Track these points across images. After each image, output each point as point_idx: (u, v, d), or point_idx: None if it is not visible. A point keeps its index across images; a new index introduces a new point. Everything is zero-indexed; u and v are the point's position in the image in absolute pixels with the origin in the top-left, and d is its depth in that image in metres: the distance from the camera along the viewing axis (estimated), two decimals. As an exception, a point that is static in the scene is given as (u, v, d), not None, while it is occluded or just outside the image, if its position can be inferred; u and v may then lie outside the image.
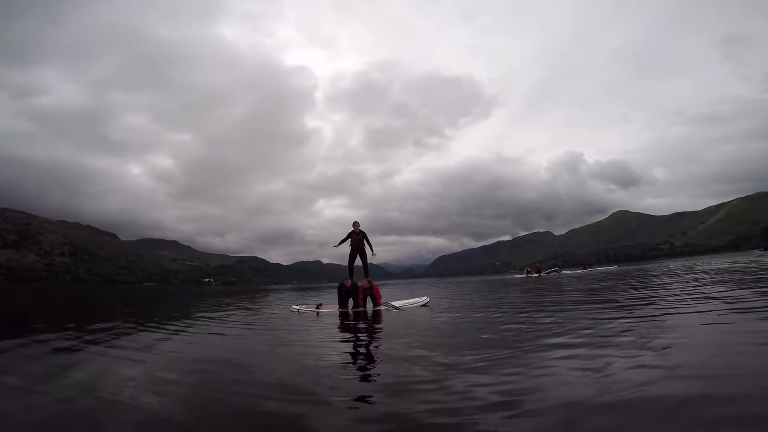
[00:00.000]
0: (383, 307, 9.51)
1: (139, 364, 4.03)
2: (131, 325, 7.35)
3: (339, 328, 6.89)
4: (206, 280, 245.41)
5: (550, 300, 9.51)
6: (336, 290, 10.16)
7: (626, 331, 4.35)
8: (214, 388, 3.09)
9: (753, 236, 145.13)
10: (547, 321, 5.71)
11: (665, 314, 5.34)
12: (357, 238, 10.24)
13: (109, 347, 4.89)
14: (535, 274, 36.03)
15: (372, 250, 10.32)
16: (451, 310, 8.49)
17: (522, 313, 7.10)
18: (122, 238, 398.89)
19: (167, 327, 6.93)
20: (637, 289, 10.61)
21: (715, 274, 13.43)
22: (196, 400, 2.84)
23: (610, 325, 4.78)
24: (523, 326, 5.45)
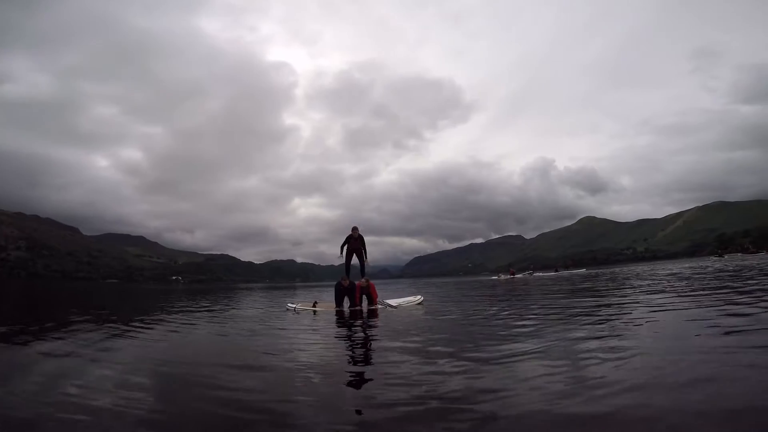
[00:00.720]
0: (379, 306, 9.61)
1: (96, 365, 3.86)
2: (90, 323, 7.04)
3: (336, 326, 6.93)
4: (174, 277, 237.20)
5: (533, 301, 9.91)
6: (333, 289, 10.13)
7: (589, 338, 4.38)
8: (186, 390, 3.01)
9: (708, 244, 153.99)
10: (528, 323, 5.92)
11: (624, 319, 5.59)
12: (355, 241, 10.49)
13: (60, 347, 4.66)
14: (509, 276, 37.60)
15: (366, 257, 10.57)
16: (444, 310, 8.70)
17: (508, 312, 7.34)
18: (85, 233, 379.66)
19: (136, 326, 6.69)
20: (602, 293, 11.12)
21: (674, 280, 14.19)
22: (159, 402, 2.75)
23: (579, 333, 4.78)
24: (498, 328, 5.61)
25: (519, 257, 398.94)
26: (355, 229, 10.54)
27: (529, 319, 6.17)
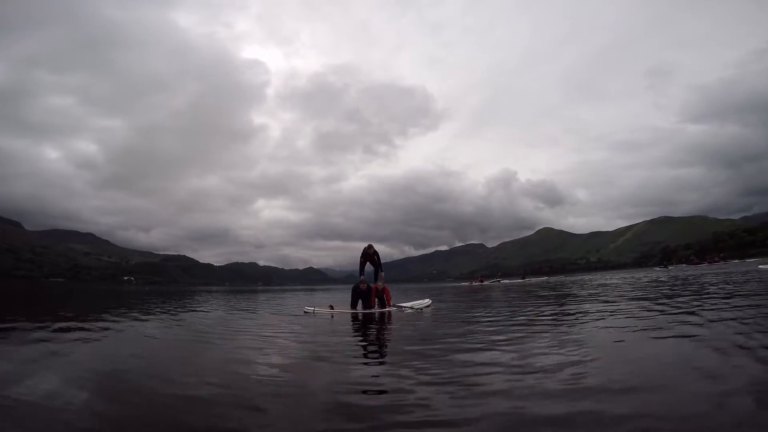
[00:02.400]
0: (393, 308, 10.00)
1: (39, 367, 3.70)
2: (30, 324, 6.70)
3: (353, 327, 7.13)
4: (126, 278, 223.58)
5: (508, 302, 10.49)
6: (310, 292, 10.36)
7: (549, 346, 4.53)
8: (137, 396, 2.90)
9: (654, 255, 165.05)
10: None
11: (579, 326, 5.96)
12: (368, 255, 11.18)
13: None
14: (478, 283, 39.57)
15: (381, 270, 11.21)
16: (449, 311, 9.18)
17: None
18: (28, 228, 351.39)
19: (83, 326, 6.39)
20: (568, 299, 11.83)
21: (624, 288, 15.26)
22: (105, 409, 2.63)
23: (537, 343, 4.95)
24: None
25: (481, 265, 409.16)
26: (369, 246, 11.34)
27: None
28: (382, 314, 9.18)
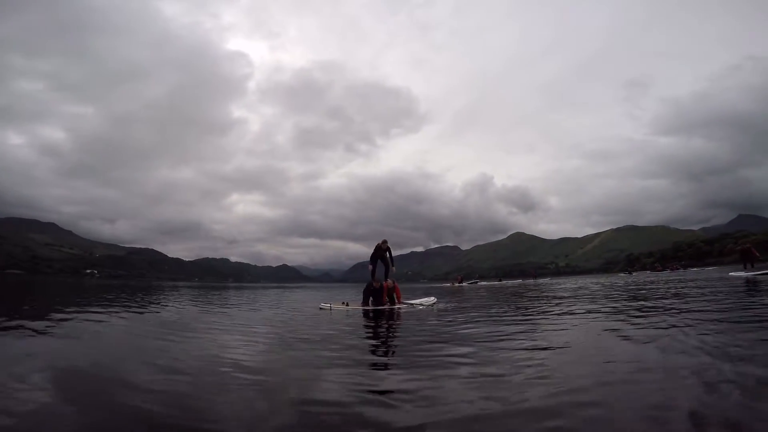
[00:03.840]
0: (403, 305, 10.41)
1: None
2: None
3: (366, 322, 7.30)
4: (88, 271, 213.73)
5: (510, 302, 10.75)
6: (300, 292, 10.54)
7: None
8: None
9: (619, 262, 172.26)
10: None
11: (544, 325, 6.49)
12: (381, 250, 11.45)
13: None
14: (458, 284, 40.66)
15: (393, 265, 11.56)
16: (453, 309, 9.43)
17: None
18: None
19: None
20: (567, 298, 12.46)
21: (594, 292, 16.14)
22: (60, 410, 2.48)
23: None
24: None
25: (455, 267, 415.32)
26: (384, 241, 11.55)
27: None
28: (395, 311, 9.54)
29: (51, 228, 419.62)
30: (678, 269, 58.96)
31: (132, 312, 8.99)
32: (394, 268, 11.56)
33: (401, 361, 3.81)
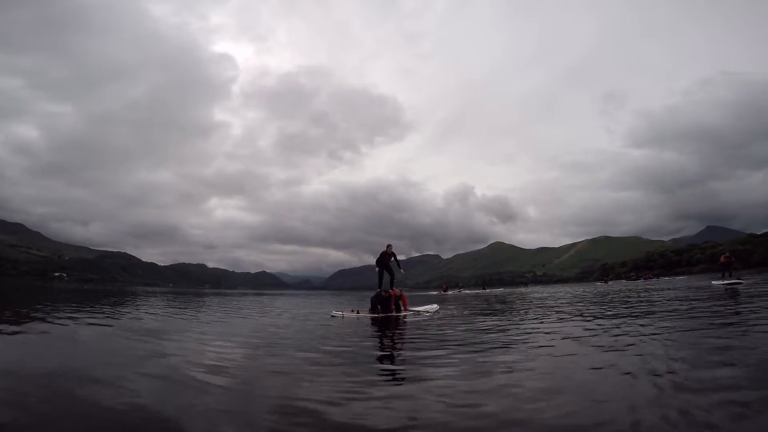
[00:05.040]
0: (409, 312, 10.96)
1: None
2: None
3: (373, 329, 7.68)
4: (56, 274, 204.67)
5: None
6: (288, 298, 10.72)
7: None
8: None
9: (594, 271, 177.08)
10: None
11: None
12: (387, 257, 11.99)
13: None
14: (443, 292, 42.00)
15: (400, 268, 12.26)
16: (454, 316, 9.87)
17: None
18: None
19: None
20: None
21: (573, 300, 16.74)
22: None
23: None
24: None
25: (436, 275, 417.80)
26: (389, 246, 12.07)
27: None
28: (401, 318, 9.92)
29: (18, 229, 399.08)
30: (651, 278, 61.14)
31: (105, 317, 8.64)
32: (402, 270, 12.15)
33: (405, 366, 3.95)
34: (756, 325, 5.26)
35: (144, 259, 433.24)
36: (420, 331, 6.81)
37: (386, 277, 11.90)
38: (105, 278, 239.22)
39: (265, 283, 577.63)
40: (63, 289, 31.70)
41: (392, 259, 12.09)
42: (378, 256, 12.03)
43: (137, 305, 13.52)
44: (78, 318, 8.01)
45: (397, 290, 11.25)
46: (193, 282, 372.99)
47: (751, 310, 7.01)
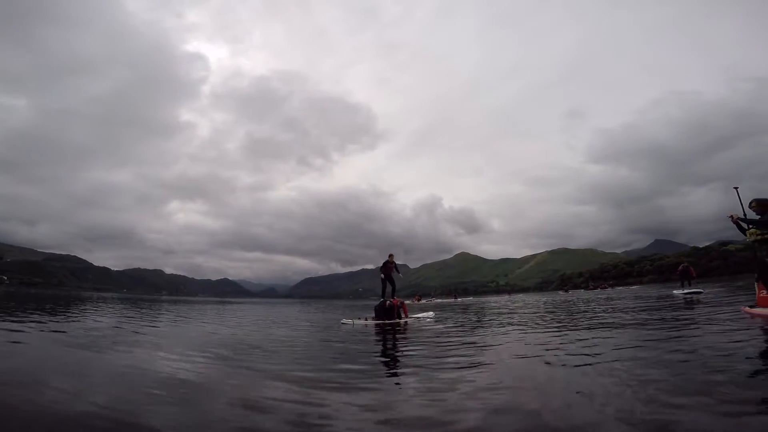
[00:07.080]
0: (410, 319, 11.99)
1: None
2: None
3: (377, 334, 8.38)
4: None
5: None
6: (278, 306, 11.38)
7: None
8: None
9: (553, 281, 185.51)
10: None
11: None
12: (390, 267, 12.86)
13: None
14: (416, 301, 43.08)
15: (399, 272, 13.08)
16: (449, 323, 10.66)
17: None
18: None
19: None
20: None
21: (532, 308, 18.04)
22: None
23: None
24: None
25: (404, 285, 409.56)
26: (391, 255, 12.96)
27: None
28: (402, 325, 10.77)
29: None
30: (607, 288, 65.27)
31: (56, 323, 8.38)
32: (401, 275, 13.16)
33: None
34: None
35: (96, 263, 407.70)
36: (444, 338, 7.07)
37: (388, 287, 12.85)
38: (51, 282, 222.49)
39: (226, 290, 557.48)
40: (3, 293, 29.13)
41: (395, 268, 12.99)
42: (381, 265, 12.90)
43: (85, 311, 13.30)
44: (16, 324, 7.67)
45: (398, 300, 12.35)
46: (149, 288, 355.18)
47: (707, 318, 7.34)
